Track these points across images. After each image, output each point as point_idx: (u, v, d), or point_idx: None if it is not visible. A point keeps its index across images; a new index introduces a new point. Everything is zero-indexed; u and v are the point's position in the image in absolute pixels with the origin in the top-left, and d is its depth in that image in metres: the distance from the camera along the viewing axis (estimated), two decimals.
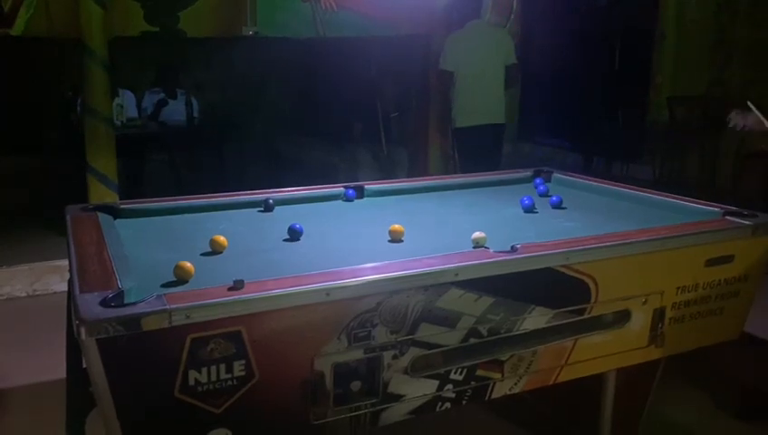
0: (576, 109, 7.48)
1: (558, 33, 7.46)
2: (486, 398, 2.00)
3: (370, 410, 1.79)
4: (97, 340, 1.43)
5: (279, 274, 1.72)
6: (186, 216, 2.54)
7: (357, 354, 1.73)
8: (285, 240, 2.24)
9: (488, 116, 4.83)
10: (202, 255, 2.06)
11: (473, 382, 1.94)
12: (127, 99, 6.03)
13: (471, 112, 4.82)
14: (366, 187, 2.93)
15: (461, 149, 5.09)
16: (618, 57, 6.96)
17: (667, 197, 2.71)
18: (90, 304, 1.50)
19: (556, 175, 3.26)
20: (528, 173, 3.30)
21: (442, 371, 1.87)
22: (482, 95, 4.81)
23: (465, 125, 4.85)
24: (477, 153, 4.81)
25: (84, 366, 1.62)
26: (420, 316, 1.78)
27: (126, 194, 4.50)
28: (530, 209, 2.67)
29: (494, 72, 4.84)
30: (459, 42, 4.86)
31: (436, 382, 1.87)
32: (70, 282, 1.79)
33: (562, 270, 1.98)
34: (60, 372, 2.30)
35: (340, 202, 2.83)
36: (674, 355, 2.37)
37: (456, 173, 5.17)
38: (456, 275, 1.81)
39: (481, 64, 4.79)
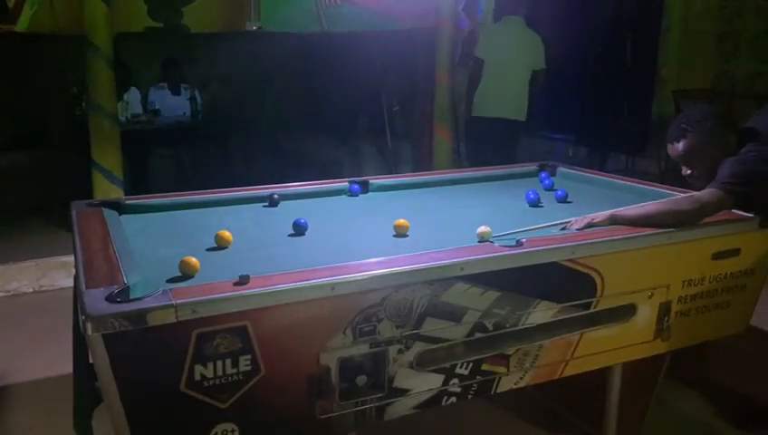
0: (581, 102, 7.44)
1: (562, 26, 7.42)
2: (492, 392, 2.00)
3: (376, 404, 1.79)
4: (103, 335, 1.43)
5: (284, 269, 1.73)
6: (191, 211, 2.54)
7: (362, 349, 1.73)
8: (290, 235, 2.25)
9: (504, 110, 4.83)
10: (207, 250, 2.06)
11: (478, 377, 1.94)
12: (132, 95, 6.03)
13: (488, 104, 4.82)
14: (370, 181, 2.93)
15: (472, 139, 5.10)
16: (623, 50, 6.92)
17: (672, 190, 2.69)
18: (96, 299, 1.50)
19: (561, 169, 3.25)
20: (533, 167, 3.29)
21: (447, 365, 1.87)
22: (501, 88, 4.81)
23: (480, 115, 4.86)
24: (488, 145, 4.81)
25: (91, 361, 1.63)
26: (425, 311, 1.78)
27: (131, 190, 4.51)
28: (535, 203, 2.67)
29: (517, 69, 4.85)
30: (493, 33, 4.93)
31: (442, 377, 1.87)
32: (76, 277, 1.80)
33: (568, 264, 1.97)
34: (67, 367, 2.31)
35: (344, 197, 2.82)
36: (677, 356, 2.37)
37: (460, 167, 5.16)
38: (462, 269, 1.81)
39: (505, 59, 4.81)
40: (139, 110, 6.05)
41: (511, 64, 4.82)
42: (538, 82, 4.92)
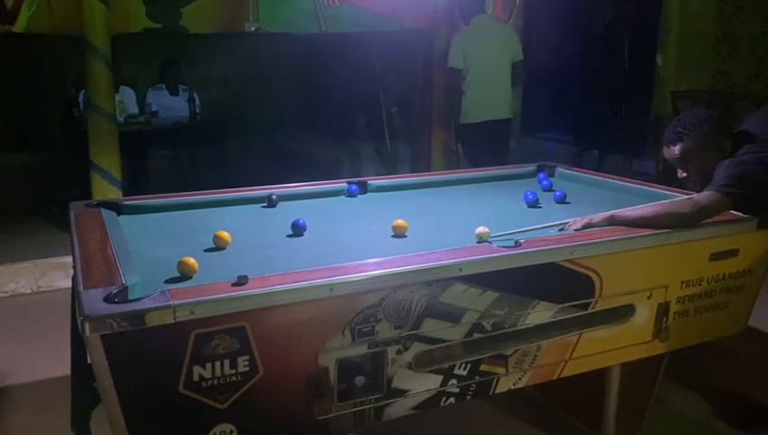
0: (579, 103, 7.45)
1: (561, 27, 7.42)
2: (491, 392, 2.00)
3: (374, 405, 1.79)
4: (101, 336, 1.43)
5: (282, 269, 1.73)
6: (189, 212, 2.54)
7: (361, 350, 1.73)
8: (289, 236, 2.25)
9: (496, 111, 4.81)
10: (206, 250, 2.06)
11: (477, 377, 1.94)
12: (127, 96, 6.01)
13: (480, 108, 4.79)
14: (369, 182, 2.93)
15: (469, 145, 5.06)
16: (621, 51, 6.93)
17: (670, 191, 2.70)
18: (94, 300, 1.50)
19: (560, 169, 3.25)
20: (532, 168, 3.29)
21: (446, 365, 1.87)
22: (491, 90, 4.78)
23: (474, 121, 4.82)
24: (485, 148, 4.79)
25: (89, 362, 1.62)
26: (424, 311, 1.78)
27: (129, 190, 4.51)
28: (533, 204, 2.67)
29: (501, 67, 4.81)
30: (466, 39, 4.83)
31: (441, 377, 1.87)
32: (74, 278, 1.80)
33: (566, 265, 1.97)
34: (65, 368, 2.30)
35: (343, 198, 2.82)
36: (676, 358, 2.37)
37: (458, 168, 5.15)
38: (460, 269, 1.81)
39: (489, 60, 4.76)
40: (136, 110, 6.04)
41: (494, 66, 4.78)
42: (518, 73, 4.88)
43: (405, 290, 1.75)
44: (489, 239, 2.04)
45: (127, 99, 5.97)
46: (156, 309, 1.47)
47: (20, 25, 4.11)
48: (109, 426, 1.55)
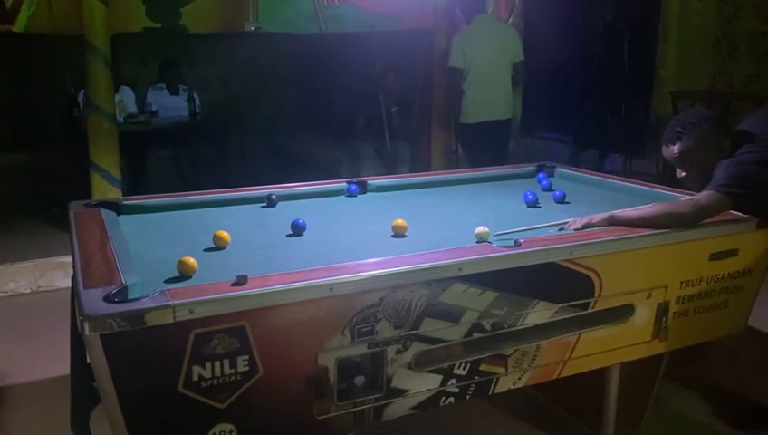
0: (579, 104, 7.45)
1: (561, 27, 7.42)
2: (490, 392, 2.00)
3: (374, 404, 1.79)
4: (101, 335, 1.43)
5: (282, 269, 1.73)
6: (189, 211, 2.54)
7: (360, 349, 1.73)
8: (288, 235, 2.25)
9: (496, 111, 4.81)
10: (205, 250, 2.06)
11: (476, 377, 1.94)
12: (127, 95, 6.01)
13: (480, 108, 4.79)
14: (369, 182, 2.93)
15: (468, 145, 5.06)
16: (621, 51, 6.93)
17: (669, 191, 2.70)
18: (93, 299, 1.50)
19: (559, 169, 3.25)
20: (531, 168, 3.29)
21: (446, 365, 1.87)
22: (491, 91, 4.78)
23: (474, 121, 4.82)
24: (484, 148, 4.79)
25: (89, 362, 1.62)
26: (424, 311, 1.78)
27: (129, 190, 4.51)
28: (533, 204, 2.67)
29: (502, 67, 4.81)
30: (467, 38, 4.83)
31: (440, 377, 1.87)
32: (73, 278, 1.79)
33: (566, 265, 1.97)
34: (64, 367, 2.31)
35: (342, 197, 2.82)
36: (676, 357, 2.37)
37: (458, 168, 5.16)
38: (460, 269, 1.81)
39: (490, 60, 4.76)
40: (136, 110, 6.04)
41: (494, 66, 4.78)
42: (518, 74, 4.89)
43: (404, 290, 1.75)
44: (489, 239, 2.04)
45: (127, 99, 5.96)
46: (155, 309, 1.47)
47: (20, 25, 4.10)
48: (109, 426, 1.55)
